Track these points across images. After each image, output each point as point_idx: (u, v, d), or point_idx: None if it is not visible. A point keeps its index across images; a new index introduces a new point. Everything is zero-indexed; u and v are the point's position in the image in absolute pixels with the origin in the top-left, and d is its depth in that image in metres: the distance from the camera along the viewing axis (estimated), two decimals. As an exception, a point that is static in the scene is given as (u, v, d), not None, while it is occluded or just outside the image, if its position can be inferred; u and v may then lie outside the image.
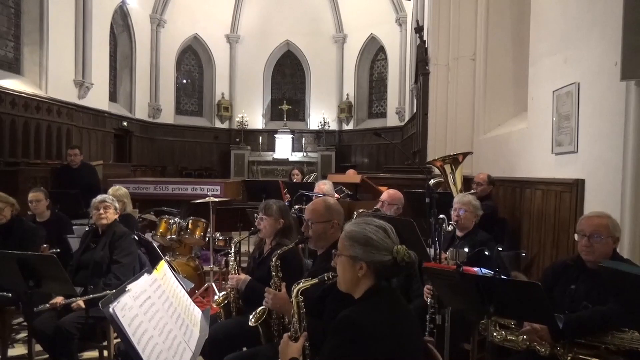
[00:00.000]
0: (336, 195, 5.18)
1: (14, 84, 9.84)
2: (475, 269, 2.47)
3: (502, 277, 2.26)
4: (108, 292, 3.05)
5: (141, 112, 15.17)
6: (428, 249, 3.18)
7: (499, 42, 6.35)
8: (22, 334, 4.11)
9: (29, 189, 4.91)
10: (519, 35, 5.98)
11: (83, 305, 3.18)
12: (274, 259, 2.58)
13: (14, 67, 10.33)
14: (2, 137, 9.18)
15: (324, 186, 4.86)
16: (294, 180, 7.25)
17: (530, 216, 4.53)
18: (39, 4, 10.51)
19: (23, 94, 9.91)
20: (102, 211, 3.58)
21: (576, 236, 2.53)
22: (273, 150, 16.89)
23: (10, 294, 3.42)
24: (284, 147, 16.73)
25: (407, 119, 13.72)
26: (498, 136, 6.03)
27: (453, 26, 7.09)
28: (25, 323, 4.05)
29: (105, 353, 3.53)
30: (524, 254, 4.29)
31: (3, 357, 3.48)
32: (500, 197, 5.33)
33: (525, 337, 2.43)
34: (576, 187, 3.60)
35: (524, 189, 4.74)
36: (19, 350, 3.86)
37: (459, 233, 3.58)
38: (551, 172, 4.15)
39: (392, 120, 15.64)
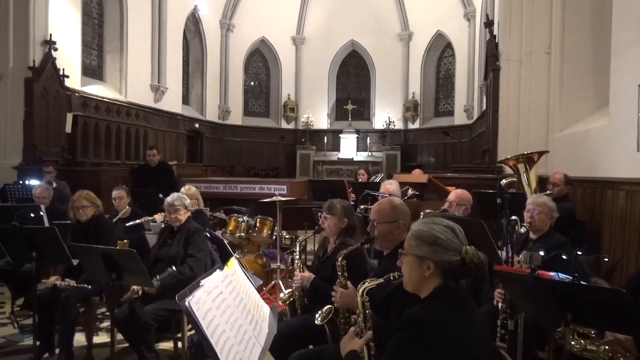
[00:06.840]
0: (410, 191, 5.06)
1: (97, 89, 10.66)
2: (552, 273, 2.35)
3: (582, 282, 2.13)
4: (174, 273, 3.38)
5: (211, 114, 15.82)
6: (499, 252, 3.06)
7: (576, 32, 5.97)
8: (106, 323, 4.41)
9: (111, 187, 5.25)
10: (600, 24, 5.59)
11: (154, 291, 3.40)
12: (339, 259, 2.57)
13: (97, 74, 11.16)
14: (87, 139, 9.91)
15: (389, 186, 4.80)
16: (360, 180, 7.24)
17: (613, 219, 4.23)
18: (120, 14, 11.30)
19: (105, 99, 10.68)
20: (172, 215, 3.79)
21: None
22: (338, 150, 16.93)
23: (90, 286, 3.67)
24: (348, 147, 16.73)
25: (475, 117, 13.27)
26: (576, 133, 5.68)
27: (526, 19, 6.76)
28: (107, 313, 4.36)
29: (180, 344, 3.72)
30: (606, 259, 4.01)
31: (89, 343, 3.75)
32: (578, 198, 5.02)
33: (607, 347, 2.27)
34: (666, 187, 3.32)
35: (605, 190, 4.44)
36: (102, 338, 4.14)
37: (532, 235, 3.41)
38: (636, 172, 3.85)
39: (459, 118, 15.18)
